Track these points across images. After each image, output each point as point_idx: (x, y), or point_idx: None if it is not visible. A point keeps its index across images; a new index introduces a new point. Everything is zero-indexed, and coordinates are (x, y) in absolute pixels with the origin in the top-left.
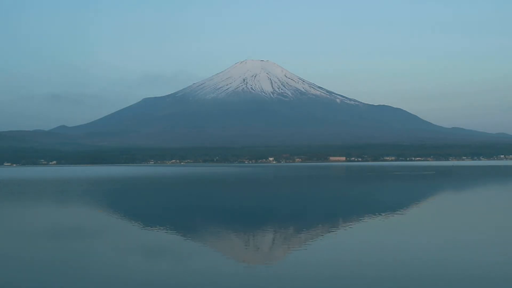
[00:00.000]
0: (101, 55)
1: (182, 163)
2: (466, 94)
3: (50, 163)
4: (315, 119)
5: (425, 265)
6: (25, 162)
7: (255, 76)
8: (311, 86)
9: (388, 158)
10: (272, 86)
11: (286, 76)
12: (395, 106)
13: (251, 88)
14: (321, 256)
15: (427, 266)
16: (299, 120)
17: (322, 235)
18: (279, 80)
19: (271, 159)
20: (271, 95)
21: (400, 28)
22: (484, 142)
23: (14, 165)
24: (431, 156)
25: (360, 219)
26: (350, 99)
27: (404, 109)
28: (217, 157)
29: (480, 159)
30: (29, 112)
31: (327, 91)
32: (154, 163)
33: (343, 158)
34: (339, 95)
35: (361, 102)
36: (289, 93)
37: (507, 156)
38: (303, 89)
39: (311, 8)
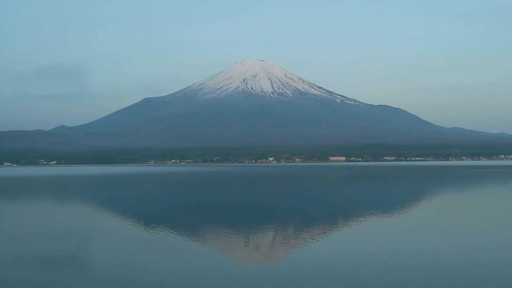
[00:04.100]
0: (101, 55)
1: (182, 163)
2: (466, 93)
3: (50, 163)
4: (315, 119)
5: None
6: (25, 162)
7: (255, 76)
8: (311, 86)
9: (388, 158)
10: (272, 86)
11: (286, 76)
12: (395, 106)
13: (251, 88)
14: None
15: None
16: (299, 120)
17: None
18: (279, 80)
19: (271, 159)
20: (271, 95)
21: (401, 27)
22: (484, 142)
23: (14, 165)
24: (431, 156)
25: None
26: (350, 99)
27: (404, 109)
28: (217, 157)
29: (480, 159)
30: (29, 112)
31: (327, 91)
32: (154, 163)
33: (343, 158)
34: (339, 95)
35: (361, 102)
36: (289, 93)
37: (507, 156)
38: (303, 89)
39: (311, 8)
